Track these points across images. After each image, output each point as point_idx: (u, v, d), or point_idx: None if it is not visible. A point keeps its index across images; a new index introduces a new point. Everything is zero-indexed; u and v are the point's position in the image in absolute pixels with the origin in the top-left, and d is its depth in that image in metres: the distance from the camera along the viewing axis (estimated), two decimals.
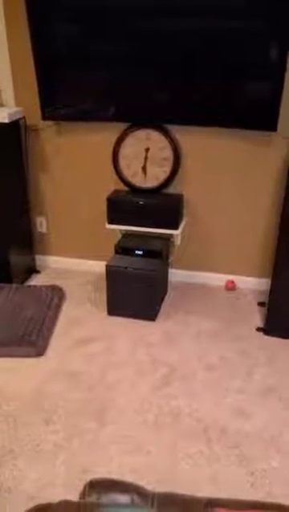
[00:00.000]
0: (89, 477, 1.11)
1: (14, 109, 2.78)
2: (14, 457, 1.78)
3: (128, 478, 1.26)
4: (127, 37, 2.49)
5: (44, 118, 2.78)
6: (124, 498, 1.18)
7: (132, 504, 1.16)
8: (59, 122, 2.84)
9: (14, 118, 2.72)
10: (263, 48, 2.36)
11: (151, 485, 1.63)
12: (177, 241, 2.91)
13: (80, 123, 2.81)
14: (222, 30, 2.36)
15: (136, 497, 1.17)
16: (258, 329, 2.61)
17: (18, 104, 2.85)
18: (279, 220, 2.34)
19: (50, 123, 2.84)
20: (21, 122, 2.81)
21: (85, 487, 1.17)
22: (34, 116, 2.82)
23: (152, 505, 1.14)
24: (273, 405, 2.06)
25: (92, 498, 1.15)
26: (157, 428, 1.93)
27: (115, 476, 1.24)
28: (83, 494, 1.14)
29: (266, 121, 2.50)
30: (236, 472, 1.73)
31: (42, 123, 2.85)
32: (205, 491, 1.60)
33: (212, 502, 1.18)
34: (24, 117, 2.82)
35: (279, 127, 2.51)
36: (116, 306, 2.70)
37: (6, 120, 2.62)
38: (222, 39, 2.39)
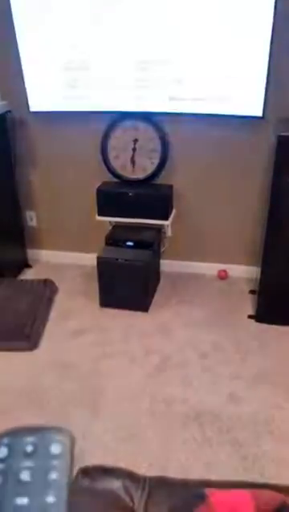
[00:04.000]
0: (83, 464, 1.13)
1: (0, 102, 2.75)
2: None
3: (122, 463, 1.28)
4: (112, 20, 2.47)
5: (31, 110, 2.76)
6: (116, 483, 1.19)
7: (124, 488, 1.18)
8: (47, 114, 2.83)
9: (0, 112, 2.70)
10: (249, 34, 2.36)
11: (143, 470, 1.65)
12: (168, 232, 2.92)
13: (68, 115, 2.79)
14: (208, 22, 2.35)
15: (127, 482, 1.19)
16: (250, 316, 2.63)
17: (3, 98, 2.82)
18: (268, 207, 2.35)
19: (37, 115, 2.83)
20: (7, 115, 2.79)
21: (77, 474, 1.19)
22: (21, 109, 2.80)
23: (144, 488, 1.15)
24: (265, 390, 2.09)
25: (85, 484, 1.17)
26: (151, 416, 1.95)
27: (109, 462, 1.26)
28: (74, 481, 1.15)
29: (253, 108, 2.50)
30: (229, 456, 1.75)
31: (29, 116, 2.83)
32: (198, 476, 1.62)
33: (203, 483, 1.20)
34: (10, 110, 2.80)
35: (267, 113, 2.51)
36: (109, 298, 2.71)
37: None
38: (211, 29, 2.38)
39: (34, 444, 0.30)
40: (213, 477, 1.63)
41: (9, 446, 0.30)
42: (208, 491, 0.99)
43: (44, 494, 0.29)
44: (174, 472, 1.66)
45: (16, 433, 0.31)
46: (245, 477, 1.65)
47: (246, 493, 0.88)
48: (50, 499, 0.29)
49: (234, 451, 1.77)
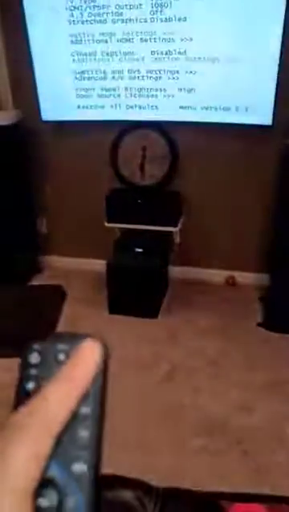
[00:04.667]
0: None
1: (13, 112, 2.78)
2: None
3: (132, 474, 1.28)
4: (121, 35, 2.50)
5: (43, 119, 2.79)
6: (128, 494, 1.19)
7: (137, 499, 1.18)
8: (58, 123, 2.85)
9: (13, 120, 2.73)
10: (259, 43, 2.37)
11: (155, 480, 1.65)
12: (177, 238, 2.92)
13: (78, 124, 2.81)
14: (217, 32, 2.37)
15: (140, 492, 1.19)
16: (259, 324, 2.62)
17: (16, 107, 2.85)
18: (278, 214, 2.35)
19: (48, 124, 2.85)
20: (20, 124, 2.82)
21: None
22: (33, 118, 2.82)
23: (158, 499, 1.15)
24: (275, 400, 2.08)
25: None
26: (161, 424, 1.95)
27: (119, 472, 1.26)
28: None
29: (262, 117, 2.51)
30: (240, 467, 1.75)
31: (40, 125, 2.86)
32: (209, 486, 1.62)
33: (217, 495, 1.20)
34: (23, 120, 2.83)
35: (276, 123, 2.51)
36: (118, 305, 2.71)
37: (5, 123, 2.63)
38: (216, 39, 2.39)
39: (66, 353, 0.30)
40: (225, 488, 1.62)
41: (41, 352, 0.30)
42: (225, 504, 0.99)
43: (78, 405, 0.28)
44: (185, 483, 1.66)
45: (48, 340, 0.31)
46: (257, 489, 1.64)
47: (262, 509, 0.87)
48: (84, 409, 0.28)
49: (246, 462, 1.77)
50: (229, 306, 2.82)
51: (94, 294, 2.94)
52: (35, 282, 3.13)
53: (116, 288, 2.68)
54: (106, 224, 2.83)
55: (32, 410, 0.27)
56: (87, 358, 0.29)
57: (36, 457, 0.25)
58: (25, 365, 0.30)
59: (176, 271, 3.09)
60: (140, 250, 2.75)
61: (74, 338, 0.30)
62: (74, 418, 0.28)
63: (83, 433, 0.28)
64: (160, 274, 2.75)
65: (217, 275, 3.08)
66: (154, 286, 2.66)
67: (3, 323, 2.59)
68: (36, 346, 0.31)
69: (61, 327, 2.63)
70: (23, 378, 0.30)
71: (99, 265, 2.91)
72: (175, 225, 2.78)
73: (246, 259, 3.01)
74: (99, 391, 0.29)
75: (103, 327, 2.63)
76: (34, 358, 0.30)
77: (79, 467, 0.27)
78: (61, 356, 0.30)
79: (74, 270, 3.23)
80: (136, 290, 2.65)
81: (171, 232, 2.87)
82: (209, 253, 3.05)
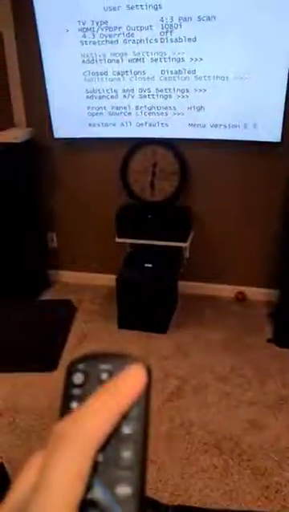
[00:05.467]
0: None
1: (26, 129, 2.85)
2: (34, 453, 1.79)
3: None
4: (132, 55, 2.56)
5: (54, 137, 2.85)
6: None
7: None
8: (69, 140, 2.91)
9: (26, 138, 2.79)
10: (268, 61, 2.41)
11: (164, 499, 1.64)
12: (186, 254, 2.94)
13: (89, 141, 2.87)
14: (225, 43, 2.42)
15: (150, 510, 1.18)
16: (269, 340, 2.61)
17: (29, 125, 2.92)
18: (287, 230, 2.36)
19: (59, 141, 2.91)
20: (32, 141, 2.88)
21: None
22: (45, 136, 2.89)
23: None
24: (286, 417, 2.05)
25: None
26: (170, 441, 1.93)
27: None
28: None
29: (271, 134, 2.54)
30: (250, 485, 1.72)
31: (52, 142, 2.92)
32: (218, 504, 1.60)
33: None
34: (35, 137, 2.89)
35: (285, 139, 2.54)
36: (127, 319, 2.72)
37: (18, 141, 2.69)
38: (227, 50, 2.44)
39: (110, 372, 0.29)
40: (234, 507, 1.60)
41: (85, 372, 0.30)
42: None
43: (122, 425, 0.28)
44: (193, 500, 1.64)
45: (92, 360, 0.31)
46: (267, 507, 1.62)
47: None
48: (126, 430, 0.28)
49: (256, 480, 1.74)
50: (239, 322, 2.81)
51: (103, 309, 2.95)
52: (45, 296, 3.15)
53: (125, 303, 2.69)
54: (116, 239, 2.85)
55: (75, 420, 0.27)
56: (131, 377, 0.29)
57: (79, 472, 0.25)
58: (68, 385, 0.30)
59: (185, 286, 3.09)
60: (149, 265, 2.76)
61: (117, 358, 0.30)
62: (117, 438, 0.27)
63: (126, 454, 0.27)
64: (170, 289, 2.76)
65: (226, 290, 3.07)
66: (163, 301, 2.66)
67: (13, 338, 2.61)
68: (80, 365, 0.30)
69: (71, 341, 2.64)
70: (67, 398, 0.30)
71: (108, 280, 2.93)
72: (185, 241, 2.79)
73: (256, 275, 3.01)
74: (143, 412, 0.29)
75: (112, 342, 2.63)
76: (78, 378, 0.30)
77: (124, 490, 0.26)
78: (104, 376, 0.29)
79: (84, 284, 3.25)
80: (145, 305, 2.66)
81: (181, 247, 2.88)
82: (218, 268, 3.06)
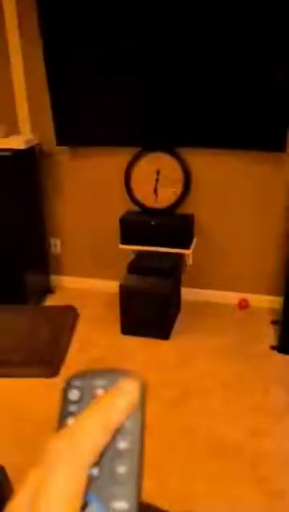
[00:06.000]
0: None
1: (30, 136, 2.88)
2: (30, 470, 1.79)
3: (143, 498, 1.26)
4: (137, 65, 2.59)
5: (58, 143, 2.87)
6: None
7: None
8: (73, 147, 2.94)
9: (30, 144, 2.82)
10: (271, 71, 2.43)
11: (166, 505, 1.62)
12: (189, 260, 2.94)
13: (93, 148, 2.90)
14: (230, 53, 2.45)
15: None
16: (272, 347, 2.60)
17: (33, 131, 2.96)
18: None
19: (64, 148, 2.94)
20: (36, 148, 2.91)
21: None
22: (49, 142, 2.92)
23: None
24: None
25: None
26: (172, 447, 1.92)
27: None
28: None
29: (274, 142, 2.56)
30: (254, 493, 1.71)
31: (56, 149, 2.95)
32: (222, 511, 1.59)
33: None
34: (39, 143, 2.92)
35: (288, 147, 2.55)
36: (130, 326, 2.72)
37: (23, 147, 2.72)
38: (229, 63, 2.47)
39: (105, 388, 0.30)
40: None
41: (80, 389, 0.30)
42: None
43: (116, 440, 0.28)
44: (197, 507, 1.63)
45: (87, 376, 0.31)
46: None
47: None
48: (122, 445, 0.28)
49: (260, 487, 1.73)
50: (242, 329, 2.80)
51: (106, 315, 2.95)
52: (48, 302, 3.16)
53: (128, 309, 2.69)
54: (119, 245, 2.86)
55: (69, 435, 0.27)
56: (126, 391, 0.29)
57: (74, 488, 0.25)
58: (64, 401, 0.30)
59: (188, 293, 3.09)
60: (152, 272, 2.76)
61: (113, 374, 0.30)
62: (113, 453, 0.27)
63: (122, 469, 0.27)
64: (173, 295, 2.76)
65: (229, 297, 3.07)
66: (166, 308, 2.66)
67: (16, 343, 2.61)
68: (75, 382, 0.31)
69: (73, 347, 2.64)
70: (63, 414, 0.30)
71: (111, 286, 2.94)
72: (188, 248, 2.80)
73: (259, 282, 3.01)
74: (138, 426, 0.28)
75: (114, 348, 2.63)
76: (74, 394, 0.30)
77: (120, 505, 0.26)
78: (99, 392, 0.30)
79: (87, 290, 3.25)
80: (148, 312, 2.66)
81: (184, 254, 2.89)
82: (221, 275, 3.06)
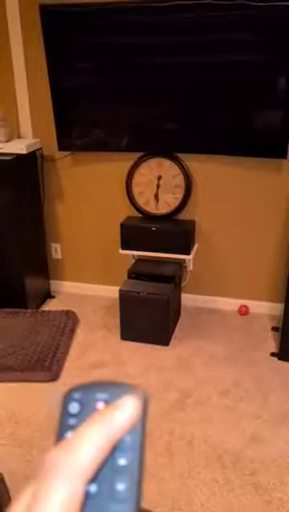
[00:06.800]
0: None
1: (32, 141, 2.90)
2: (28, 483, 1.78)
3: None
4: (139, 71, 2.60)
5: (60, 149, 2.89)
6: None
7: None
8: (74, 152, 2.95)
9: (32, 149, 2.83)
10: (272, 78, 2.45)
11: None
12: (190, 266, 2.94)
13: (94, 153, 2.91)
14: (230, 61, 2.46)
15: None
16: (273, 354, 2.60)
17: (35, 136, 2.97)
18: None
19: (65, 153, 2.95)
20: (38, 153, 2.92)
21: None
22: (51, 147, 2.93)
23: None
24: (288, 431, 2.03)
25: None
26: (170, 455, 1.92)
27: None
28: None
29: (275, 149, 2.57)
30: (252, 500, 1.70)
31: (58, 154, 2.96)
32: None
33: None
34: (41, 148, 2.94)
35: None
36: (130, 331, 2.72)
37: (24, 152, 2.73)
38: (231, 70, 2.48)
39: (106, 402, 0.29)
40: None
41: (80, 402, 0.29)
42: None
43: (116, 456, 0.27)
44: None
45: (87, 389, 0.30)
46: None
47: None
48: (122, 462, 0.27)
49: (258, 495, 1.72)
50: (242, 336, 2.80)
51: (106, 321, 2.95)
52: (48, 307, 3.16)
53: (128, 315, 2.69)
54: (120, 251, 2.87)
55: (66, 449, 0.26)
56: (126, 407, 0.28)
57: (70, 503, 0.25)
58: (64, 414, 0.30)
59: (188, 299, 3.09)
60: (153, 278, 2.77)
61: (114, 387, 0.30)
62: (112, 470, 0.27)
63: (122, 487, 0.27)
64: (173, 301, 2.76)
65: (229, 304, 3.07)
66: (166, 314, 2.66)
67: (16, 348, 2.61)
68: (75, 395, 0.30)
69: (73, 352, 2.64)
70: (62, 427, 0.29)
71: (111, 291, 2.94)
72: (188, 253, 2.80)
73: (259, 288, 3.00)
74: (139, 442, 0.28)
75: (114, 354, 2.63)
76: (73, 407, 0.29)
77: None
78: (100, 406, 0.29)
79: (87, 295, 3.25)
80: (148, 317, 2.66)
81: (184, 260, 2.89)
82: (221, 281, 3.06)
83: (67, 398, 0.30)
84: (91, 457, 0.26)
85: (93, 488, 0.27)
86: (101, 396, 0.29)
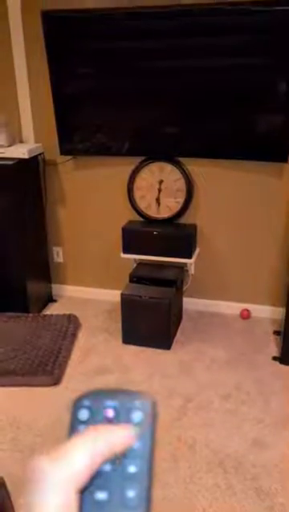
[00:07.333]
0: None
1: (34, 145, 2.91)
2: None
3: None
4: (140, 75, 2.62)
5: (62, 153, 2.90)
6: None
7: None
8: (76, 156, 2.96)
9: (34, 154, 2.84)
10: (273, 82, 2.45)
11: None
12: (191, 270, 2.95)
13: (96, 158, 2.92)
14: (231, 66, 2.47)
15: None
16: (274, 358, 2.59)
17: (37, 140, 2.98)
18: None
19: (67, 157, 2.96)
20: (40, 157, 2.93)
21: None
22: (53, 151, 2.94)
23: None
24: None
25: None
26: (173, 459, 1.91)
27: None
28: None
29: (276, 153, 2.57)
30: (254, 505, 1.69)
31: (59, 158, 2.97)
32: None
33: None
34: (43, 152, 2.95)
35: None
36: (131, 335, 2.72)
37: (26, 156, 2.74)
38: (232, 75, 2.49)
39: (115, 410, 0.29)
40: None
41: (90, 409, 0.30)
42: None
43: (125, 464, 0.28)
44: None
45: (96, 396, 0.30)
46: None
47: None
48: (132, 469, 0.28)
49: (259, 500, 1.71)
50: (244, 340, 2.79)
51: (108, 324, 2.95)
52: (50, 311, 3.16)
53: (130, 319, 2.69)
54: (121, 255, 2.87)
55: (56, 456, 0.27)
56: (122, 430, 0.29)
57: (61, 510, 0.25)
58: (74, 421, 0.30)
59: (190, 303, 3.09)
60: (154, 281, 2.77)
61: (124, 394, 0.30)
62: (122, 477, 0.27)
63: (132, 494, 0.27)
64: (174, 305, 2.76)
65: (231, 308, 3.07)
66: (168, 318, 2.66)
67: (18, 352, 2.61)
68: (85, 402, 0.30)
69: (75, 356, 2.64)
70: (72, 434, 0.30)
71: (113, 295, 2.94)
72: (190, 257, 2.80)
73: (261, 292, 3.00)
74: (147, 449, 0.29)
75: (116, 358, 2.62)
76: (83, 414, 0.30)
77: None
78: (110, 413, 0.29)
79: (88, 299, 3.25)
80: (149, 321, 2.65)
81: (186, 264, 2.89)
82: (223, 285, 3.06)
83: (76, 405, 0.30)
84: (82, 466, 0.26)
85: (104, 496, 0.27)
86: (110, 403, 0.30)
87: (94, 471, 0.27)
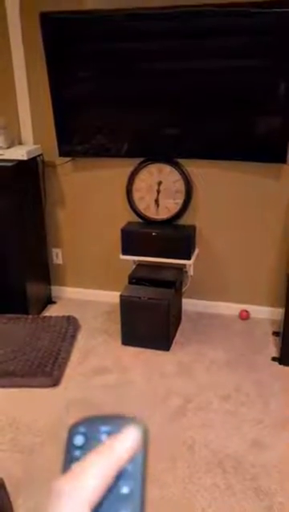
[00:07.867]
0: None
1: (33, 147, 2.92)
2: (27, 488, 1.78)
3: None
4: (139, 77, 2.63)
5: (61, 155, 2.91)
6: None
7: None
8: (75, 158, 2.97)
9: (33, 155, 2.85)
10: (272, 83, 2.47)
11: None
12: (190, 271, 2.95)
13: (95, 159, 2.93)
14: (231, 68, 2.48)
15: None
16: (274, 359, 2.59)
17: (36, 142, 2.99)
18: None
19: (66, 159, 2.97)
20: (39, 159, 2.94)
21: None
22: (52, 153, 2.95)
23: None
24: None
25: None
26: (172, 460, 1.91)
27: None
28: None
29: (275, 154, 2.58)
30: (253, 506, 1.69)
31: (58, 160, 2.98)
32: None
33: None
34: (42, 154, 2.96)
35: None
36: (130, 336, 2.72)
37: (25, 158, 2.75)
38: (231, 77, 2.50)
39: (110, 435, 0.31)
40: None
41: (85, 435, 0.31)
42: None
43: (119, 485, 0.29)
44: None
45: (91, 422, 0.32)
46: None
47: None
48: (125, 490, 0.29)
49: (258, 500, 1.71)
50: (243, 340, 2.80)
51: (107, 326, 2.95)
52: (49, 312, 3.16)
53: (129, 320, 2.69)
54: (121, 256, 2.88)
55: (72, 477, 0.29)
56: (126, 437, 0.30)
57: None
58: (69, 446, 0.31)
59: (189, 304, 3.09)
60: (153, 283, 2.77)
61: (117, 420, 0.31)
62: (115, 498, 0.29)
63: None
64: (174, 306, 2.76)
65: (230, 309, 3.07)
66: (167, 319, 2.66)
67: (17, 354, 2.61)
68: (80, 428, 0.32)
69: (74, 358, 2.64)
70: (68, 459, 0.31)
71: (112, 296, 2.95)
72: (189, 258, 2.81)
73: (260, 293, 3.01)
74: (139, 470, 0.30)
75: (115, 359, 2.63)
76: (79, 440, 0.31)
77: None
78: (104, 438, 0.31)
79: (88, 301, 3.26)
80: (149, 323, 2.66)
81: (185, 265, 2.90)
82: (222, 286, 3.06)
83: (72, 431, 0.32)
84: (95, 486, 0.28)
85: None
86: (104, 428, 0.31)
87: (106, 489, 0.29)
